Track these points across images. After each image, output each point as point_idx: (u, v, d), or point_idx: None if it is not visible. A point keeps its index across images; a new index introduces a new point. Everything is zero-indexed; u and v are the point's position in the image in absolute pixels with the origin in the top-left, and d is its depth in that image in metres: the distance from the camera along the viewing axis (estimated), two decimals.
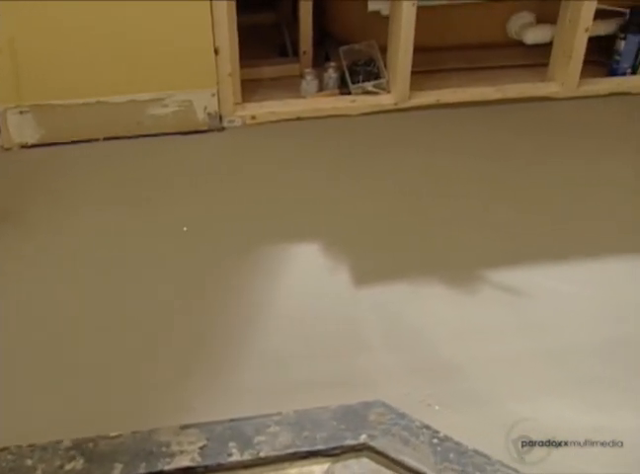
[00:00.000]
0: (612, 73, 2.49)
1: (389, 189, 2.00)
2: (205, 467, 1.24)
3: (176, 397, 1.42)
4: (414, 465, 1.25)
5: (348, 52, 2.38)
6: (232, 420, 1.33)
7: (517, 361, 1.53)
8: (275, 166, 2.10)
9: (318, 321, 1.60)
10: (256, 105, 2.29)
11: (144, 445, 1.27)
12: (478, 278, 1.72)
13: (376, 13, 2.37)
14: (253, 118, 2.26)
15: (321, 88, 2.36)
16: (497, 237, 1.84)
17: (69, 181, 2.02)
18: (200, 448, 1.26)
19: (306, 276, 1.73)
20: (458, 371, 1.49)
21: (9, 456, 1.25)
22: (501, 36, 2.57)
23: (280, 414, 1.33)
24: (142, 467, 1.23)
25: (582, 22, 2.26)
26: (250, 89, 2.34)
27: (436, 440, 1.30)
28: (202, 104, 2.20)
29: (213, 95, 2.20)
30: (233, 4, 2.12)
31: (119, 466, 1.23)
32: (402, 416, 1.34)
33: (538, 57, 2.51)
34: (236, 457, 1.25)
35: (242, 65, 2.26)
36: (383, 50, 2.35)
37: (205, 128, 2.23)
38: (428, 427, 1.32)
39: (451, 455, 1.28)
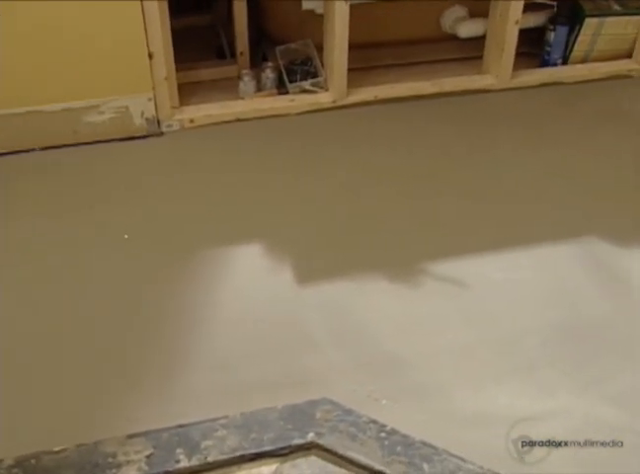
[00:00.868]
0: (544, 64, 2.54)
1: (330, 187, 2.01)
2: None
3: (122, 407, 1.41)
4: (362, 460, 1.27)
5: (284, 52, 2.38)
6: (179, 426, 1.32)
7: (461, 351, 1.55)
8: (215, 169, 2.09)
9: (263, 322, 1.60)
10: (194, 108, 2.27)
11: (90, 458, 1.25)
12: (421, 272, 1.74)
13: (311, 12, 2.38)
14: (191, 121, 2.24)
15: (259, 88, 2.36)
16: (438, 230, 1.87)
17: (5, 192, 1.98)
18: (147, 457, 1.26)
19: (250, 278, 1.73)
20: (404, 365, 1.51)
21: None
22: (435, 30, 2.59)
23: (226, 417, 1.33)
24: None
25: (512, 15, 2.30)
26: (188, 92, 2.32)
27: (383, 434, 1.32)
28: (139, 109, 2.17)
29: (150, 100, 2.17)
30: (165, 7, 2.10)
31: None
32: (349, 412, 1.35)
33: (473, 51, 2.54)
34: (184, 464, 1.25)
35: (179, 68, 2.25)
36: (320, 49, 2.35)
37: (144, 134, 2.21)
38: (375, 421, 1.33)
39: (399, 448, 1.29)
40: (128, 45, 2.08)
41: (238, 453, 1.26)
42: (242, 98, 2.33)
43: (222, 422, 1.32)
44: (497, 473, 1.29)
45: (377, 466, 1.26)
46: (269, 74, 2.36)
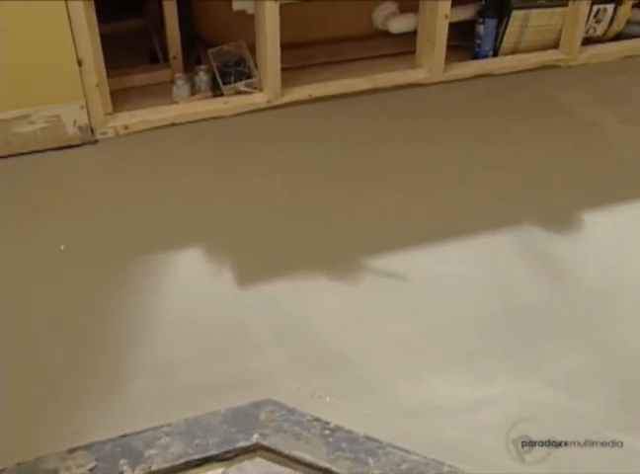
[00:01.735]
0: (476, 56, 2.57)
1: (268, 187, 2.01)
2: None
3: (63, 422, 1.39)
4: (307, 459, 1.27)
5: (217, 54, 2.37)
6: (122, 436, 1.31)
7: (403, 344, 1.57)
8: (151, 174, 2.07)
9: (204, 325, 1.59)
10: (127, 114, 2.25)
11: None
12: (360, 268, 1.75)
13: (242, 12, 2.37)
14: (126, 127, 2.21)
15: (193, 92, 2.34)
16: (376, 226, 1.89)
17: None
18: (90, 470, 1.24)
19: (190, 282, 1.72)
20: (347, 361, 1.52)
21: None
22: (368, 27, 2.61)
23: (169, 424, 1.32)
24: None
25: (441, 9, 2.33)
26: (121, 98, 2.29)
27: (327, 432, 1.33)
28: (72, 117, 2.14)
29: (82, 107, 2.14)
30: (92, 10, 2.06)
31: None
32: (292, 411, 1.35)
33: (405, 46, 2.56)
34: None
35: (111, 74, 2.21)
36: (252, 49, 2.35)
37: (78, 142, 2.17)
38: (318, 419, 1.34)
39: (343, 444, 1.31)
40: (56, 52, 2.04)
41: (183, 460, 1.26)
42: (176, 102, 2.31)
43: (166, 429, 1.31)
44: (442, 462, 1.31)
45: (323, 463, 1.27)
46: (202, 77, 2.34)
